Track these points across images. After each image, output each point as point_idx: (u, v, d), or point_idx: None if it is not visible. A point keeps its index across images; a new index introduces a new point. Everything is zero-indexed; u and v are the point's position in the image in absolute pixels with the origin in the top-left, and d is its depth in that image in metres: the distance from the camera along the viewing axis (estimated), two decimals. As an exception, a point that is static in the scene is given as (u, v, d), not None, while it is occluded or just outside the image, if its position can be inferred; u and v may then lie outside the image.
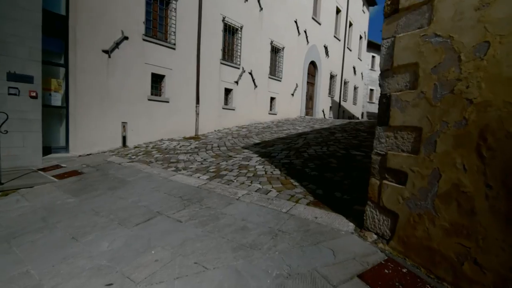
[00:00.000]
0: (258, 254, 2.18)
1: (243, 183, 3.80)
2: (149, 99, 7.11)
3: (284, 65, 11.74)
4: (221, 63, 8.82)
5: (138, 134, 6.98)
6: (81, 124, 6.00)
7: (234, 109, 9.55)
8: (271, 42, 10.82)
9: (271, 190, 3.47)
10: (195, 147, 6.35)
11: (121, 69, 6.49)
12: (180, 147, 6.46)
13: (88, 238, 2.60)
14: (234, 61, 9.42)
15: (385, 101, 2.28)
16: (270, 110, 11.39)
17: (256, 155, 5.27)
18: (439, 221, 1.91)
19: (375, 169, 2.37)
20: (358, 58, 20.00)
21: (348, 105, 19.23)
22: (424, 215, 1.99)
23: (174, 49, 7.50)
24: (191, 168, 4.70)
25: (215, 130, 8.86)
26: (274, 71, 11.44)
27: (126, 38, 6.47)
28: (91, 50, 5.96)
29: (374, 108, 25.51)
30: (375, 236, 2.35)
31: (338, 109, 17.55)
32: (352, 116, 20.03)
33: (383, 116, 2.30)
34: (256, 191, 3.49)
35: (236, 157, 5.21)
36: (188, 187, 3.76)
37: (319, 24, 14.00)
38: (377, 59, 24.68)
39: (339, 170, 4.11)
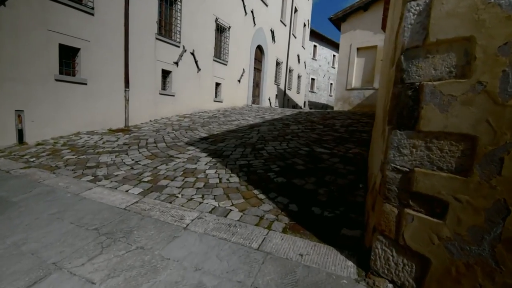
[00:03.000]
0: None
1: (192, 198, 2.80)
2: (57, 80, 5.35)
3: (230, 47, 10.65)
4: (156, 38, 7.31)
5: (43, 126, 5.22)
6: None
7: (173, 95, 8.18)
8: (216, 20, 9.58)
9: (231, 210, 2.56)
10: (124, 144, 4.98)
11: (11, 36, 4.62)
12: (103, 143, 5.00)
13: None
14: (173, 38, 7.97)
15: (411, 93, 1.56)
16: (215, 97, 10.27)
17: (205, 154, 4.26)
18: (501, 278, 1.29)
19: (391, 192, 1.66)
20: (302, 46, 19.95)
21: (292, 94, 19.15)
22: (476, 266, 1.36)
23: (92, 14, 5.77)
24: (117, 176, 3.46)
25: (150, 121, 7.41)
26: (220, 54, 10.26)
27: (14, -10, 4.59)
28: (-48, 2, 4.01)
29: (315, 98, 26.31)
30: (390, 286, 1.67)
31: (283, 98, 17.28)
32: (295, 105, 20.10)
33: (406, 115, 1.58)
34: (211, 211, 2.54)
35: (179, 158, 4.11)
36: (110, 209, 2.58)
37: (266, 5, 13.16)
38: (319, 49, 25.26)
39: (309, 174, 3.42)
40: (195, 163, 3.84)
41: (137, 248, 2.01)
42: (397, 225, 1.64)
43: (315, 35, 23.94)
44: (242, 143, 4.91)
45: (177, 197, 2.82)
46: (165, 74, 7.93)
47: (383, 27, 7.14)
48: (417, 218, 1.55)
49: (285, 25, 15.85)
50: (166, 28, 7.84)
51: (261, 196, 2.85)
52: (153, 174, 3.47)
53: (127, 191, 2.99)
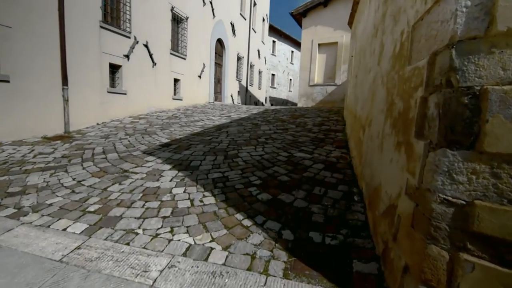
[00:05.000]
0: None
1: (157, 235, 2.15)
2: (-35, 76, 4.15)
3: (189, 40, 9.77)
4: (101, 27, 6.23)
5: None
6: None
7: (125, 93, 7.14)
8: (172, 9, 8.64)
9: (212, 248, 1.98)
10: (63, 156, 4.03)
11: None
12: (34, 157, 3.98)
13: None
14: (123, 27, 6.92)
15: (468, 101, 1.15)
16: (175, 94, 9.35)
17: (169, 166, 3.58)
18: None
19: (439, 231, 1.25)
20: (262, 41, 19.59)
21: (254, 90, 18.75)
22: None
23: (12, -6, 4.61)
24: (51, 205, 2.63)
25: (98, 124, 6.34)
26: (177, 46, 9.34)
27: None
28: None
29: (276, 93, 26.27)
30: None
31: (246, 94, 16.79)
32: (257, 101, 19.75)
33: (461, 131, 1.17)
34: (185, 253, 1.93)
35: (136, 173, 3.37)
36: (38, 264, 1.82)
37: (225, -3, 12.45)
38: (278, 44, 25.16)
39: (295, 186, 2.97)
40: (158, 180, 3.15)
41: (80, 331, 1.35)
42: (450, 275, 1.24)
43: (273, 31, 23.76)
44: (211, 149, 4.30)
45: (137, 233, 2.15)
46: (114, 69, 6.87)
47: (350, 23, 7.00)
48: (479, 267, 1.17)
49: (245, 19, 15.29)
50: (113, 15, 6.76)
51: (246, 222, 2.31)
52: (102, 199, 2.71)
53: (65, 229, 2.22)
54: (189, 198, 2.71)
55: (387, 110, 2.18)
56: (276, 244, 2.04)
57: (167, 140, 4.91)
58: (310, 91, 12.20)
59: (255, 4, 16.83)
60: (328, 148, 4.32)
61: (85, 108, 6.04)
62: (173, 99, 9.23)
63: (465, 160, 1.17)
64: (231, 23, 13.26)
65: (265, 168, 3.48)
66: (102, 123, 6.41)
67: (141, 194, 2.79)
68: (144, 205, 2.58)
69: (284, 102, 27.08)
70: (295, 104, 25.23)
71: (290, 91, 28.48)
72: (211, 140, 4.86)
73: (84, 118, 6.06)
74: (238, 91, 15.44)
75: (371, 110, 2.92)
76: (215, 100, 12.56)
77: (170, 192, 2.84)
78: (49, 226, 2.26)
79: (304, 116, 7.24)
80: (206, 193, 2.82)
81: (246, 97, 16.88)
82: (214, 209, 2.50)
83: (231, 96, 14.28)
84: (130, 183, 3.06)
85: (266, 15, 20.19)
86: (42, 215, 2.43)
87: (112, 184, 3.04)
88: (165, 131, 5.69)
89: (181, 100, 9.67)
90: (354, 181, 3.14)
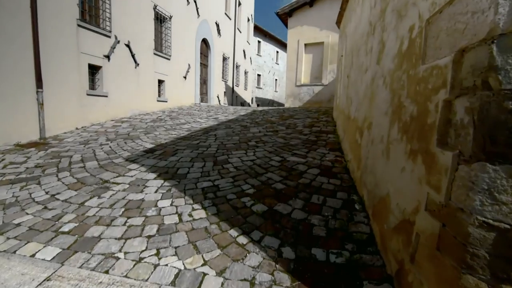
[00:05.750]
0: None
1: (141, 259, 1.88)
2: None
3: (173, 39, 9.41)
4: (79, 25, 5.81)
5: None
6: None
7: (106, 96, 6.73)
8: (155, 7, 8.27)
9: (205, 274, 1.74)
10: (37, 166, 3.65)
11: None
12: (3, 167, 3.59)
13: None
14: (102, 26, 6.51)
15: (509, 105, 0.98)
16: (159, 96, 8.97)
17: (154, 175, 3.29)
18: None
19: (478, 259, 1.07)
20: (247, 41, 19.37)
21: (240, 91, 18.49)
22: None
23: (-26, -13, 4.17)
24: (19, 226, 2.29)
25: (77, 128, 5.92)
26: (161, 47, 8.97)
27: None
28: None
29: (262, 93, 26.13)
30: None
31: (232, 95, 16.51)
32: (244, 102, 19.51)
33: (502, 141, 1.00)
34: (174, 283, 1.68)
35: (117, 184, 3.06)
36: (-4, 301, 1.54)
37: (210, -4, 12.15)
38: (263, 44, 25.03)
39: (291, 195, 2.77)
40: (141, 191, 2.87)
41: None
42: (490, 310, 1.06)
43: (258, 31, 23.62)
44: (199, 154, 4.04)
45: (118, 258, 1.87)
46: (94, 70, 6.45)
47: (338, 22, 6.89)
48: (526, 302, 1.00)
49: (230, 19, 15.02)
50: (92, 13, 6.35)
51: (242, 239, 2.08)
52: (78, 216, 2.40)
53: (33, 255, 1.91)
54: (176, 212, 2.45)
55: (393, 113, 2.01)
56: (277, 265, 1.82)
57: (151, 145, 4.60)
58: (297, 91, 12.10)
59: (239, 3, 16.60)
60: (321, 151, 4.16)
61: (62, 112, 5.62)
62: (158, 101, 8.85)
63: (510, 176, 0.99)
64: (216, 23, 12.96)
65: (258, 174, 3.26)
66: (82, 127, 5.99)
67: (122, 209, 2.50)
68: (126, 222, 2.30)
69: (270, 102, 26.99)
70: (282, 104, 25.20)
71: (276, 91, 28.42)
72: (198, 144, 4.59)
73: (62, 123, 5.63)
74: (225, 92, 15.15)
75: (370, 112, 2.75)
76: (201, 101, 12.23)
77: (156, 206, 2.56)
78: (15, 252, 1.94)
79: (293, 117, 7.07)
80: (196, 206, 2.56)
81: (233, 98, 16.61)
82: (205, 225, 2.26)
83: (217, 97, 13.98)
84: (111, 196, 2.76)
85: (251, 15, 20.01)
86: (8, 238, 2.10)
87: (90, 198, 2.73)
88: (149, 135, 5.36)
89: (166, 101, 9.29)
90: (353, 187, 2.97)
